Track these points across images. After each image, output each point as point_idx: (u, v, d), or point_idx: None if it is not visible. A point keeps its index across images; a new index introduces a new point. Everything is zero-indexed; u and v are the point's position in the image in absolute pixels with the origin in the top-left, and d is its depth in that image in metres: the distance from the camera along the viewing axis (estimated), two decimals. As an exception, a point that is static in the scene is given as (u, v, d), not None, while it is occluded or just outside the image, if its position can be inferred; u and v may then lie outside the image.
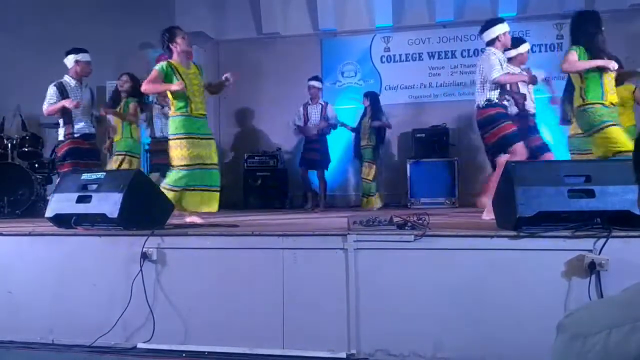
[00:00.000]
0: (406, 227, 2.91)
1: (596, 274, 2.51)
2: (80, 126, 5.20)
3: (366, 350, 2.79)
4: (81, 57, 5.19)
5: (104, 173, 3.50)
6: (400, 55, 8.15)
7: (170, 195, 4.04)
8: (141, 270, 3.01)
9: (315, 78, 7.31)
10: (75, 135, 5.17)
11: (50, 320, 3.20)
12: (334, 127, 7.28)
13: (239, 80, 6.75)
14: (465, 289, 2.73)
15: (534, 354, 2.48)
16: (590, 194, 2.67)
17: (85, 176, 3.52)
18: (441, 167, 7.36)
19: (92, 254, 3.19)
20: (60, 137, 5.21)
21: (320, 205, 7.10)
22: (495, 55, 4.29)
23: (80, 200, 3.37)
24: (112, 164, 5.72)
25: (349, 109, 8.03)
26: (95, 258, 3.18)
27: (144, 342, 3.01)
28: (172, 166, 4.30)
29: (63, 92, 5.14)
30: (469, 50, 7.81)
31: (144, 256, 3.02)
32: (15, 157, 6.55)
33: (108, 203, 3.23)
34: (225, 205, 7.36)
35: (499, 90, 4.31)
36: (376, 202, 7.36)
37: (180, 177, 4.22)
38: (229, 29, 8.43)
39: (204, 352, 2.91)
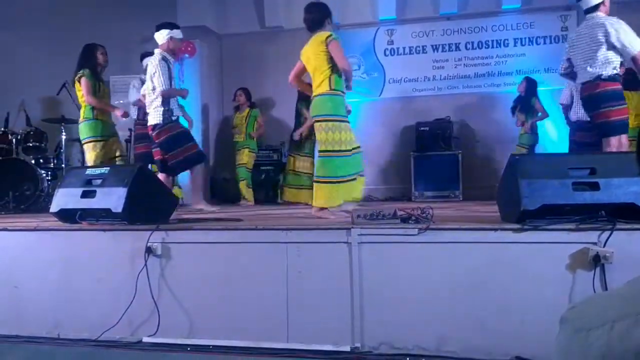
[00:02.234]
0: (410, 221, 2.90)
1: (601, 267, 2.51)
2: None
3: (370, 343, 2.79)
4: (175, 33, 4.71)
5: (108, 168, 3.51)
6: (404, 48, 8.12)
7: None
8: (146, 264, 3.03)
9: None
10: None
11: (55, 314, 3.22)
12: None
13: (242, 73, 6.75)
14: (469, 282, 2.72)
15: (539, 347, 2.49)
16: (595, 186, 2.66)
17: (89, 171, 3.53)
18: (445, 160, 7.34)
19: (96, 248, 3.20)
20: (160, 121, 4.56)
21: None
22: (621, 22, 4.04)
23: (84, 195, 3.39)
24: None
25: (353, 103, 8.00)
26: (100, 253, 3.19)
27: (149, 336, 3.02)
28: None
29: (169, 69, 4.63)
30: (472, 42, 7.77)
31: (149, 250, 3.03)
32: (20, 152, 6.57)
33: (112, 198, 3.24)
34: (229, 199, 7.40)
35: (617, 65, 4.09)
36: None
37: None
38: (231, 22, 8.41)
39: (209, 345, 2.92)
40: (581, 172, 2.73)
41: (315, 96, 3.89)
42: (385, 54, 8.18)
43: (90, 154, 5.13)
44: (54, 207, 3.49)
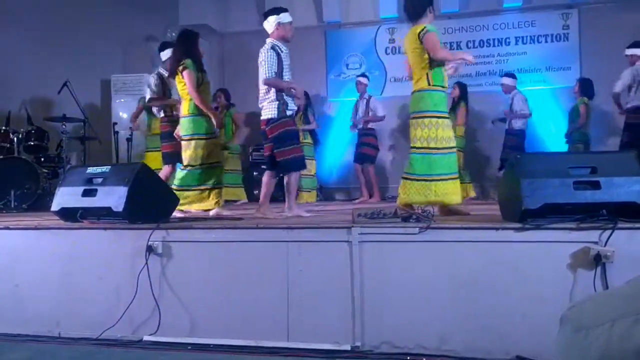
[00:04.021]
0: (411, 220, 2.90)
1: (602, 266, 2.50)
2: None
3: (371, 342, 2.79)
4: (283, 17, 4.22)
5: (109, 167, 3.51)
6: (405, 46, 8.11)
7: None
8: (147, 263, 3.03)
9: (362, 74, 7.45)
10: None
11: (56, 313, 3.23)
12: (381, 119, 7.24)
13: (244, 72, 6.74)
14: (470, 281, 2.72)
15: (540, 346, 2.48)
16: (596, 185, 2.66)
17: (90, 170, 3.53)
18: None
19: (97, 247, 3.21)
20: (275, 115, 4.12)
21: (374, 195, 7.20)
22: None
23: (85, 194, 3.39)
24: None
25: (353, 102, 8.01)
26: (101, 251, 3.19)
27: (150, 335, 3.02)
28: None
29: (280, 58, 4.18)
30: (474, 41, 7.77)
31: (150, 249, 3.04)
32: (21, 151, 6.58)
33: (113, 197, 3.24)
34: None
35: None
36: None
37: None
38: (232, 21, 8.42)
39: (210, 344, 2.92)
40: (582, 171, 2.73)
41: (413, 92, 3.83)
42: (386, 53, 8.18)
43: (192, 152, 4.55)
44: (55, 206, 3.49)
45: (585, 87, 6.65)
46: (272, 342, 2.87)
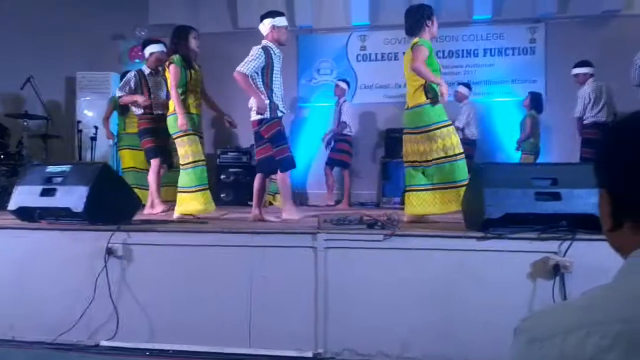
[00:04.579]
0: (376, 227, 2.91)
1: (560, 276, 2.55)
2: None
3: (333, 349, 2.78)
4: (278, 21, 4.24)
5: (70, 166, 3.41)
6: (376, 54, 8.16)
7: None
8: (106, 266, 2.95)
9: (342, 79, 7.51)
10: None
11: (10, 316, 3.11)
12: (343, 126, 7.27)
13: (214, 74, 6.69)
14: (433, 289, 2.74)
15: (500, 355, 2.51)
16: (557, 196, 2.71)
17: (50, 168, 3.43)
18: (414, 166, 7.38)
19: (55, 248, 3.11)
20: (267, 115, 4.17)
21: (344, 202, 7.22)
22: None
23: (44, 193, 3.29)
24: None
25: (324, 107, 8.01)
26: (59, 253, 3.10)
27: (108, 340, 2.94)
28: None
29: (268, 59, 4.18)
30: (443, 51, 7.86)
31: (109, 252, 2.96)
32: (-21, 148, 6.36)
33: (73, 197, 3.15)
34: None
35: None
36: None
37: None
38: (204, 22, 8.30)
39: (169, 350, 2.86)
40: (544, 182, 2.78)
41: (412, 107, 3.93)
42: (357, 60, 8.21)
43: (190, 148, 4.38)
44: (12, 205, 3.38)
45: (535, 101, 6.91)
46: (234, 349, 2.83)
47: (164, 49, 5.17)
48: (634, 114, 0.81)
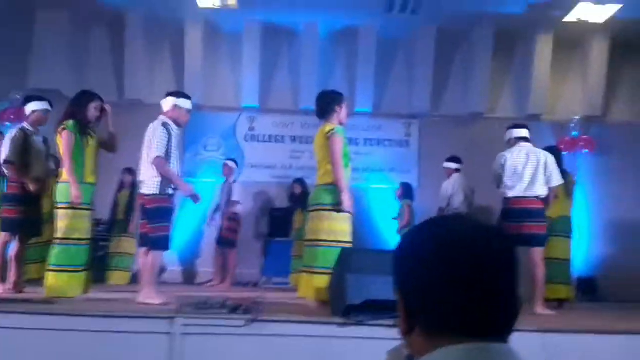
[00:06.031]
0: (238, 311, 2.82)
1: (414, 364, 2.60)
2: None
3: None
4: (181, 102, 4.19)
5: None
6: (264, 135, 8.35)
7: None
8: None
9: (230, 158, 7.52)
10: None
11: None
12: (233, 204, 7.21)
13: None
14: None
15: None
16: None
17: None
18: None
19: None
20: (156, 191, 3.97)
21: (225, 281, 7.02)
22: None
23: None
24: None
25: (208, 183, 7.93)
26: None
27: None
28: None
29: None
30: (328, 137, 8.23)
31: None
32: None
33: None
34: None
35: None
36: None
37: None
38: (89, 89, 8.06)
39: None
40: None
41: (318, 185, 4.02)
42: (245, 139, 8.33)
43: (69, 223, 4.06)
44: None
45: (407, 191, 7.35)
46: None
47: (48, 108, 4.83)
48: (418, 229, 0.86)
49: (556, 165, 4.51)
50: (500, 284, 0.78)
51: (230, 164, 7.43)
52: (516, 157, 4.46)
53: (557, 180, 4.48)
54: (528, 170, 4.40)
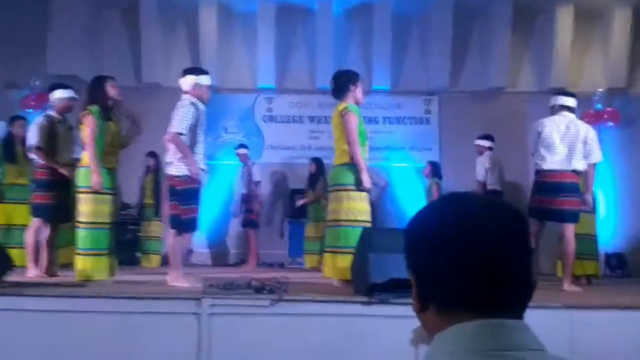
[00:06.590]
0: (264, 291, 2.86)
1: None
2: None
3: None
4: (202, 79, 4.09)
5: None
6: (282, 116, 8.34)
7: None
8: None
9: (240, 145, 7.52)
10: None
11: None
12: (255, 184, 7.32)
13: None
14: (319, 355, 2.70)
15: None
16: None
17: None
18: (318, 226, 7.46)
19: None
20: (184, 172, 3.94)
21: (250, 262, 7.14)
22: None
23: None
24: None
25: (230, 165, 7.98)
26: None
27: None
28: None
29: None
30: (346, 116, 8.18)
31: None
32: None
33: None
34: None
35: None
36: None
37: None
38: (105, 74, 8.12)
39: None
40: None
41: (335, 165, 3.99)
42: (264, 120, 8.33)
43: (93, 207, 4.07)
44: None
45: (435, 169, 7.22)
46: None
47: (74, 96, 4.87)
48: (429, 207, 0.86)
49: (597, 140, 4.26)
50: (513, 261, 0.78)
51: (241, 150, 7.45)
52: (555, 127, 4.18)
53: (597, 156, 4.22)
54: (565, 142, 4.15)
